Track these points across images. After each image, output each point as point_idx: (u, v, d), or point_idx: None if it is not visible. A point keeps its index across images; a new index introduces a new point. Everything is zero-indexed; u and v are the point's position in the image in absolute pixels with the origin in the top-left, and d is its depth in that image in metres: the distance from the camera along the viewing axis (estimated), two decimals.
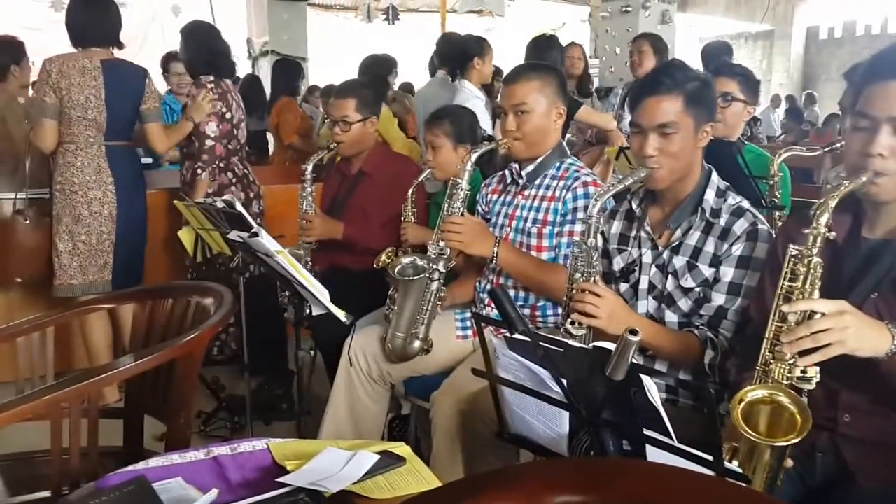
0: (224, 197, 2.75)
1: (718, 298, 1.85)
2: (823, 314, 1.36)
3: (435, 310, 2.32)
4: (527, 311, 2.37)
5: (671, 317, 1.93)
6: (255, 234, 2.04)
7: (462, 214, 2.27)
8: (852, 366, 1.42)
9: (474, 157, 2.29)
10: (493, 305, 2.39)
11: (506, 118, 2.35)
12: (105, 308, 2.62)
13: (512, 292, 2.38)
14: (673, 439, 1.14)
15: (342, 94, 3.10)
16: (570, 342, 1.24)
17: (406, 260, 2.39)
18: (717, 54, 4.54)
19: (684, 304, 1.91)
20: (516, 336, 1.31)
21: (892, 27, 15.94)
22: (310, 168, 2.89)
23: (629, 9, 5.56)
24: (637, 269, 1.99)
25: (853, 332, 1.35)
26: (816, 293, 1.43)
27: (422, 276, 2.29)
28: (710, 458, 1.08)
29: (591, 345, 1.23)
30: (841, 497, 1.52)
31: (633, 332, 1.10)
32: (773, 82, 17.24)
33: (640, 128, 1.88)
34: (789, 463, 1.43)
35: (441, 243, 2.28)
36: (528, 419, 1.41)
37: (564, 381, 1.26)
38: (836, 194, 1.45)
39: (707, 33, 19.02)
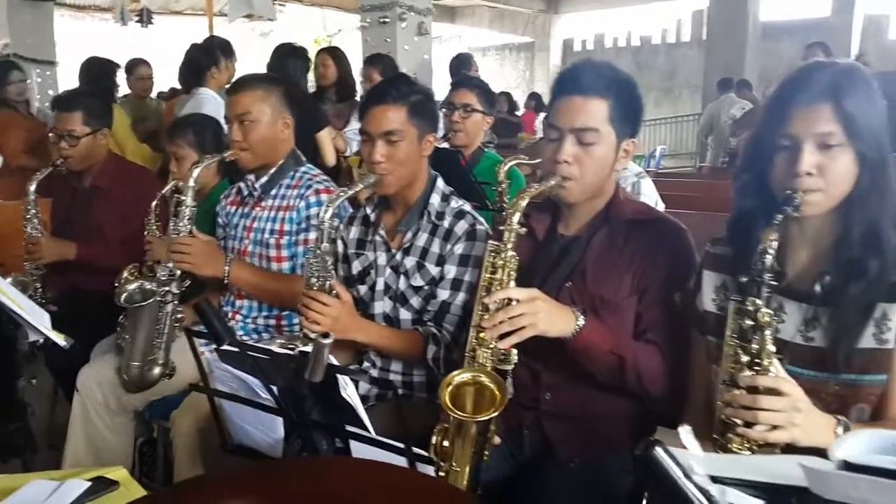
0: None
1: (443, 294, 1.97)
2: (518, 301, 1.51)
3: (173, 332, 2.23)
4: (272, 322, 2.37)
5: (405, 314, 2.02)
6: None
7: (190, 233, 2.22)
8: (551, 348, 1.59)
9: (196, 172, 2.24)
10: (236, 318, 2.37)
11: (231, 128, 2.34)
12: None
13: (256, 304, 2.37)
14: (370, 432, 1.20)
15: (67, 106, 2.88)
16: (276, 349, 1.27)
17: (132, 286, 2.26)
18: (459, 66, 4.83)
19: (416, 301, 2.01)
20: (226, 348, 1.31)
21: (635, 40, 17.76)
22: (33, 188, 2.68)
23: (387, 20, 5.73)
24: (374, 271, 2.07)
25: (543, 315, 1.51)
26: (512, 283, 1.58)
27: (151, 300, 2.20)
28: (401, 445, 1.15)
29: (296, 350, 1.26)
30: (544, 469, 1.68)
31: (325, 336, 1.15)
32: (536, 90, 18.50)
33: (369, 135, 1.96)
34: (497, 440, 1.57)
35: (170, 264, 2.20)
36: (247, 428, 1.42)
37: (274, 388, 1.29)
38: (526, 195, 1.60)
39: (475, 44, 20.04)
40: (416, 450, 1.16)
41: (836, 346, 1.31)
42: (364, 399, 2.00)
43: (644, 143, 15.34)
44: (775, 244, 1.22)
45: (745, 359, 1.22)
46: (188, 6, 15.17)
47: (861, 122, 1.28)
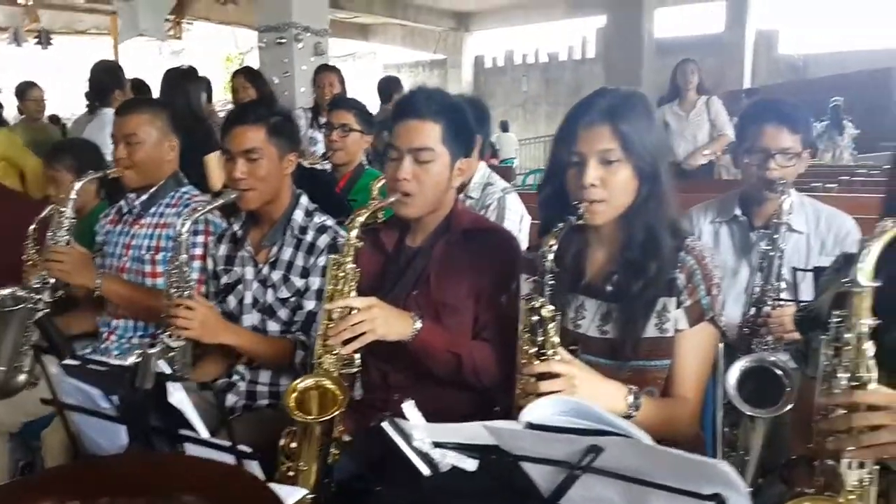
0: None
1: (308, 304, 2.08)
2: (358, 309, 1.64)
3: (42, 341, 2.27)
4: (147, 340, 2.42)
5: (273, 326, 2.13)
6: None
7: (68, 243, 2.28)
8: (397, 351, 1.73)
9: (78, 185, 2.32)
10: (111, 339, 2.42)
11: (117, 147, 2.41)
12: None
13: (132, 323, 2.43)
14: (200, 434, 1.30)
15: None
16: (112, 361, 1.36)
17: (4, 291, 2.31)
18: (387, 89, 4.99)
19: (283, 313, 2.12)
20: (68, 362, 1.39)
21: (543, 57, 18.30)
22: None
23: (283, 41, 5.83)
24: (242, 285, 2.17)
25: (381, 321, 1.64)
26: (354, 293, 1.71)
27: (21, 307, 2.24)
28: (228, 444, 1.26)
29: (131, 362, 1.35)
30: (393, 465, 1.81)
31: (152, 345, 1.25)
32: None
33: (230, 153, 2.07)
34: (346, 438, 1.69)
35: (44, 272, 2.26)
36: (96, 438, 1.50)
37: (114, 398, 1.38)
38: (364, 212, 1.74)
39: (389, 61, 20.25)
40: (241, 447, 1.26)
41: (624, 336, 1.51)
42: (231, 410, 2.11)
43: None
44: (555, 248, 1.40)
45: (532, 350, 1.38)
46: (92, 26, 14.82)
47: (636, 141, 1.48)
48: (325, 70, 4.70)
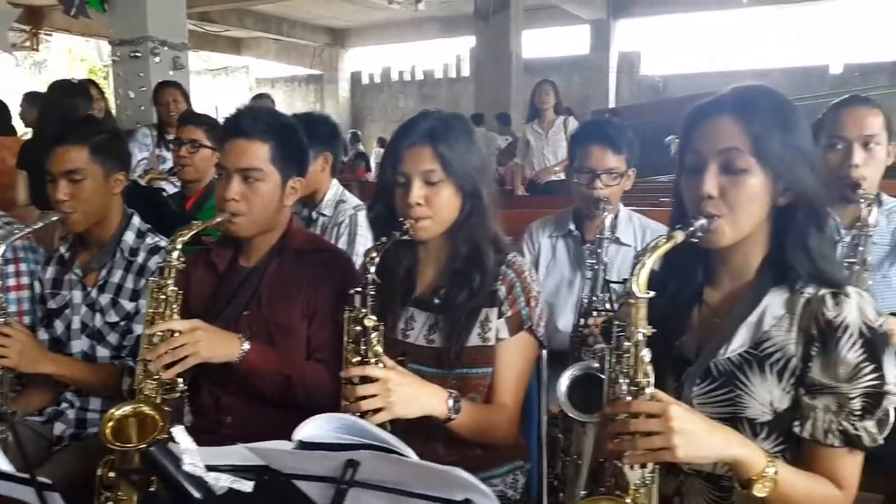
0: None
1: (139, 329, 2.01)
2: (180, 332, 1.61)
3: None
4: None
5: (103, 352, 2.05)
6: None
7: None
8: (228, 373, 1.70)
9: None
10: None
11: None
12: None
13: None
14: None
15: None
16: None
17: None
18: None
19: (113, 338, 2.05)
20: None
21: (419, 74, 18.53)
22: None
23: (138, 55, 5.62)
24: (69, 310, 2.08)
25: (204, 343, 1.61)
26: (176, 316, 1.67)
27: None
28: (27, 476, 1.20)
29: None
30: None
31: None
32: None
33: (52, 175, 1.99)
34: None
35: None
36: None
37: None
38: (188, 232, 1.72)
39: (263, 75, 19.92)
40: (40, 479, 1.21)
41: (449, 344, 1.57)
42: (59, 439, 2.02)
43: None
44: (377, 260, 1.45)
45: (356, 359, 1.42)
46: None
47: (455, 162, 1.54)
48: (165, 86, 4.56)
